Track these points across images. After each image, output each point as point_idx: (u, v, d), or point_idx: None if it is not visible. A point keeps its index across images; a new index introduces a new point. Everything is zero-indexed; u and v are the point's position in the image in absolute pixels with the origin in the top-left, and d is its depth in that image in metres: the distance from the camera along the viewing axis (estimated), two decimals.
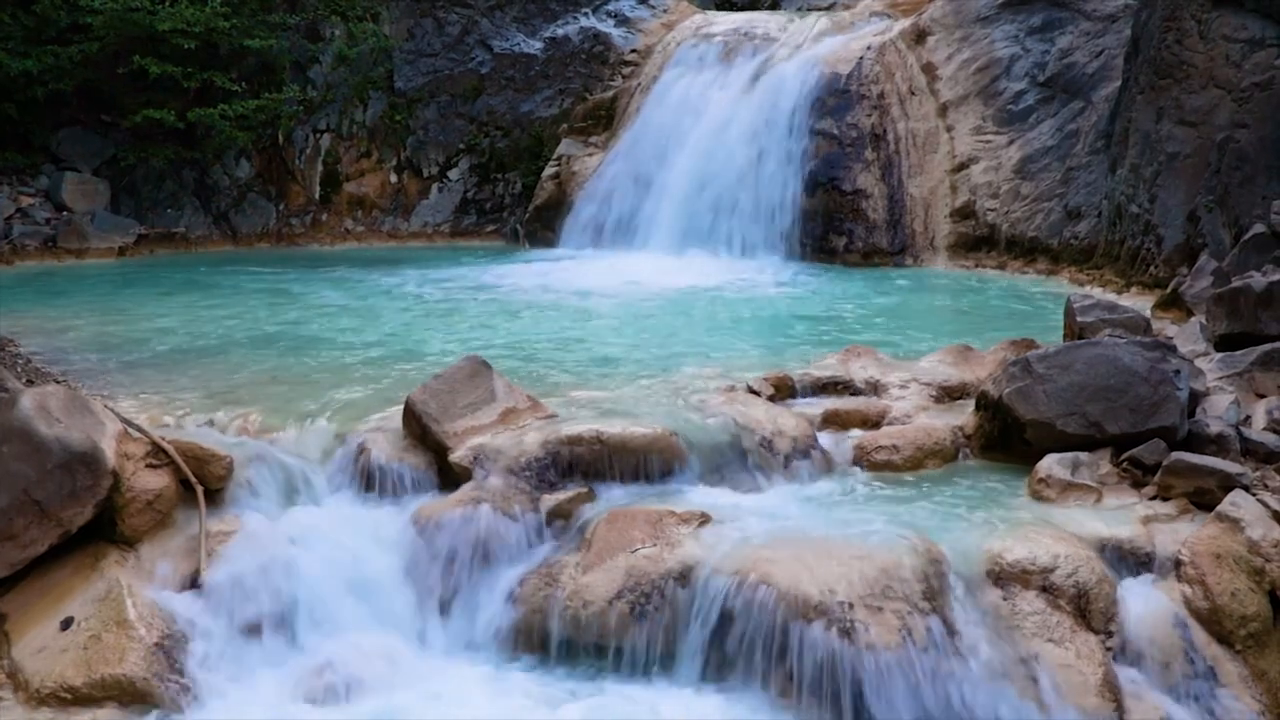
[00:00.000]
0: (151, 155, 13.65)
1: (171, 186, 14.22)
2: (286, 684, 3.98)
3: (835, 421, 5.54)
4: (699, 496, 4.66)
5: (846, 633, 3.68)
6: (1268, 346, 5.60)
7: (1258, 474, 4.60)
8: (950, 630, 3.75)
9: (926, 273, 12.05)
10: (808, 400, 5.84)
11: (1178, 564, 4.12)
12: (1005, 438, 5.10)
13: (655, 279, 10.94)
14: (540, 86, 15.52)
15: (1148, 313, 7.34)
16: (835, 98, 13.19)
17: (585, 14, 15.75)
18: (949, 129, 12.88)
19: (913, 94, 13.18)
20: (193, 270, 12.03)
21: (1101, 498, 4.56)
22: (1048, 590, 3.91)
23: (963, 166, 12.59)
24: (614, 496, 4.64)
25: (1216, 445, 4.75)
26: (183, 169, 14.24)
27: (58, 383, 5.73)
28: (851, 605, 3.73)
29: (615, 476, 4.73)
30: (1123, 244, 10.31)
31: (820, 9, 16.09)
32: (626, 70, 15.42)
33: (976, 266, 12.05)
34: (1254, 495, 4.35)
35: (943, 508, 4.52)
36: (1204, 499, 4.43)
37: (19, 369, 6.04)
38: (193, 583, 4.22)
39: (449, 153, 15.50)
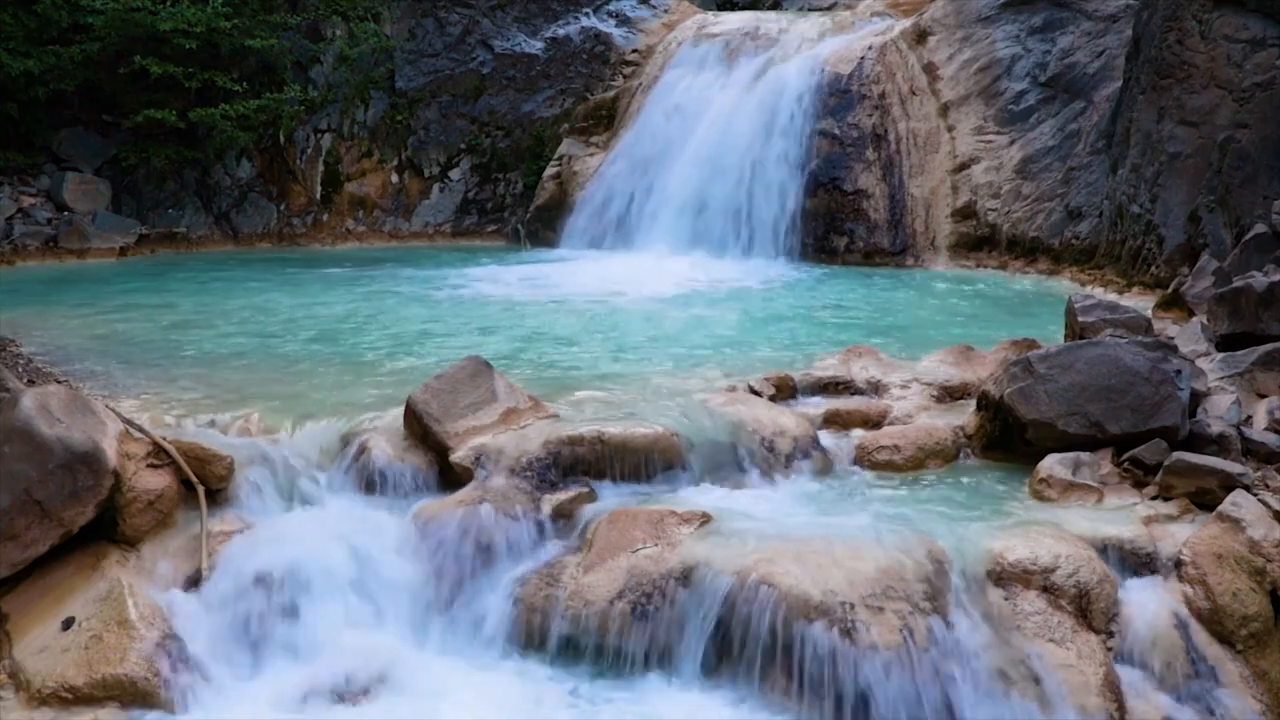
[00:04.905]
0: (153, 155, 13.66)
1: (173, 186, 14.23)
2: (288, 684, 3.98)
3: (836, 421, 5.54)
4: (700, 496, 4.66)
5: (848, 632, 3.68)
6: (1269, 346, 5.60)
7: (1259, 474, 4.60)
8: (951, 630, 3.74)
9: (927, 273, 12.06)
10: (809, 400, 5.85)
11: (1179, 564, 4.12)
12: (1006, 438, 5.10)
13: (656, 279, 10.94)
14: (541, 86, 15.53)
15: (1149, 313, 7.33)
16: (836, 98, 13.19)
17: (586, 14, 15.76)
18: (950, 129, 12.87)
19: (914, 94, 13.18)
20: (194, 270, 12.03)
21: (1103, 498, 4.56)
22: (1049, 590, 3.91)
23: (964, 166, 12.59)
24: (615, 496, 4.64)
25: (1218, 445, 4.75)
26: (184, 169, 14.25)
27: (59, 383, 5.74)
28: (853, 605, 3.73)
29: (617, 476, 4.73)
30: (1124, 244, 10.31)
31: (821, 9, 16.11)
32: (628, 70, 15.43)
33: (978, 267, 12.05)
34: (1255, 495, 4.35)
35: (944, 508, 4.52)
36: (1205, 499, 4.42)
37: (20, 369, 6.05)
38: (194, 583, 4.23)
39: (450, 153, 15.51)
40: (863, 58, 13.48)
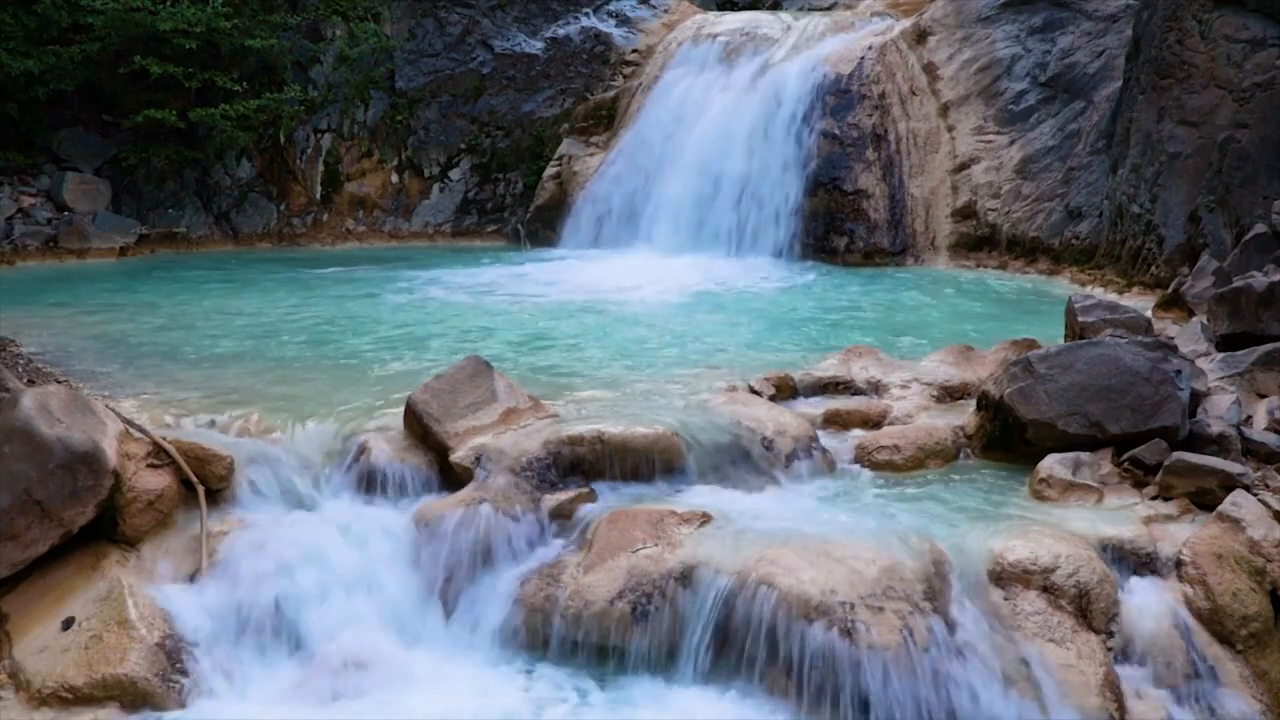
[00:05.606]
0: (153, 155, 13.67)
1: (173, 186, 14.23)
2: (287, 683, 3.99)
3: (836, 421, 5.54)
4: (700, 496, 4.65)
5: (847, 633, 3.68)
6: (1269, 346, 5.60)
7: (1259, 474, 4.60)
8: (951, 630, 3.74)
9: (928, 273, 12.05)
10: (809, 400, 5.85)
11: (1179, 564, 4.12)
12: (1006, 438, 5.10)
13: (656, 279, 10.94)
14: (541, 86, 15.53)
15: (1149, 313, 7.33)
16: (836, 98, 13.19)
17: (586, 14, 15.76)
18: (950, 129, 12.87)
19: (914, 94, 13.18)
20: (194, 271, 12.04)
21: (1103, 498, 4.56)
22: (1049, 590, 3.91)
23: (964, 166, 12.59)
24: (615, 496, 4.64)
25: (1218, 445, 4.75)
26: (184, 169, 14.26)
27: (59, 383, 5.74)
28: (852, 605, 3.73)
29: (617, 476, 4.73)
30: (1124, 244, 10.31)
31: (821, 9, 16.11)
32: (628, 70, 15.42)
33: (978, 266, 12.05)
34: (1255, 495, 4.35)
35: (944, 507, 4.52)
36: (1205, 499, 4.42)
37: (20, 369, 6.04)
38: (194, 582, 4.23)
39: (450, 153, 15.51)
40: (863, 58, 13.48)
